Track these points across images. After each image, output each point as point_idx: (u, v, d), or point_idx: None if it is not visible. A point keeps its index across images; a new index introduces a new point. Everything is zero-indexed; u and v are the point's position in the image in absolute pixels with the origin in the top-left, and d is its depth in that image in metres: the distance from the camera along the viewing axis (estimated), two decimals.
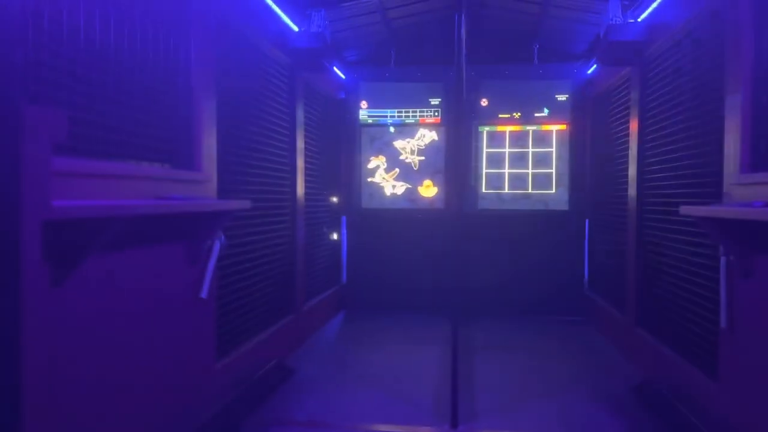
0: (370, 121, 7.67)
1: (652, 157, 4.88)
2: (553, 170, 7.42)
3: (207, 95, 3.75)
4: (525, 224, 7.43)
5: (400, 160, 7.66)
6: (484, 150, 7.56)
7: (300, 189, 5.80)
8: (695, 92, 4.03)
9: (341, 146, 7.68)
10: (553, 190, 7.41)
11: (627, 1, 5.21)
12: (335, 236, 7.58)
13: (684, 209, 3.25)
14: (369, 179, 7.68)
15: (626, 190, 5.56)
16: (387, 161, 7.67)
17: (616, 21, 5.04)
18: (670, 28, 4.44)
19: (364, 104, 7.65)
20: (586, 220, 7.40)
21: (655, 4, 4.69)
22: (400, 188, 7.66)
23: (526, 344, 6.07)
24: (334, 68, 7.05)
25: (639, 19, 5.03)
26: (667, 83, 4.53)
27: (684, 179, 4.17)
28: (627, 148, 5.55)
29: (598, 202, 6.98)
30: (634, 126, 5.29)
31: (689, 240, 4.05)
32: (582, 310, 7.27)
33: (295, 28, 5.43)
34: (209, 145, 3.76)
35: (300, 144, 5.77)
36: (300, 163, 5.77)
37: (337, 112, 7.50)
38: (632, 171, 5.33)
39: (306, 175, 6.05)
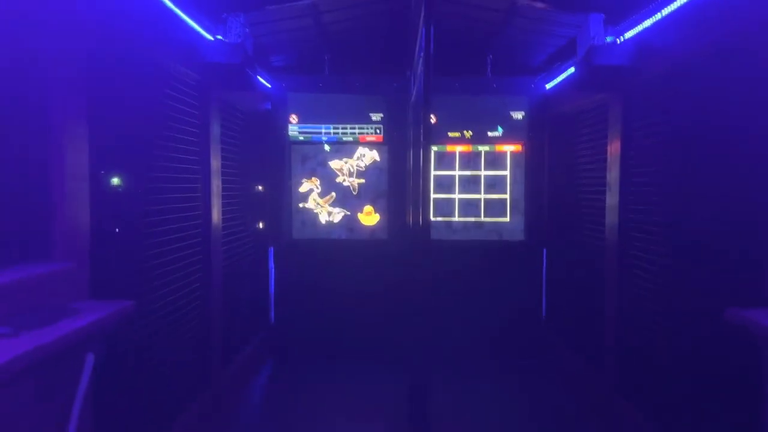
0: (301, 137, 6.60)
1: (642, 186, 4.14)
2: (508, 195, 6.65)
3: (73, 140, 2.61)
4: (478, 256, 6.62)
5: (337, 183, 6.65)
6: (432, 172, 6.68)
7: (216, 216, 4.69)
8: (715, 129, 3.28)
9: (267, 166, 6.57)
10: (508, 218, 6.64)
11: (607, 13, 4.43)
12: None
13: (733, 316, 2.46)
14: (301, 205, 6.63)
15: (602, 220, 4.83)
16: (321, 184, 6.64)
17: (598, 41, 4.24)
18: (674, 54, 3.67)
19: (293, 118, 6.57)
20: (544, 250, 6.68)
21: (648, 23, 3.92)
22: (337, 215, 6.66)
23: (484, 409, 5.26)
24: (258, 77, 5.93)
25: (624, 37, 4.25)
26: (670, 116, 3.78)
27: (702, 224, 3.43)
28: (604, 176, 4.81)
29: (558, 231, 6.27)
30: (614, 149, 4.53)
31: (706, 308, 3.31)
32: (539, 350, 6.56)
33: (209, 37, 4.29)
34: (76, 212, 2.63)
35: (215, 164, 4.64)
36: (216, 186, 4.66)
37: (261, 127, 6.38)
38: (612, 200, 4.58)
39: (224, 200, 4.96)
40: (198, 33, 4.16)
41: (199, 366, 4.45)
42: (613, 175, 4.55)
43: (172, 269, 3.88)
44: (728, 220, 3.09)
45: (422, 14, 2.97)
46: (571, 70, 5.40)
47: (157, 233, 3.62)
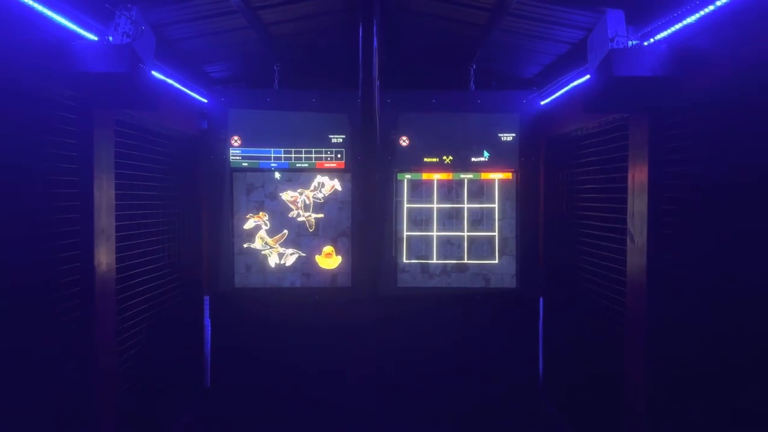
0: (245, 163, 5.42)
1: (686, 225, 3.01)
2: (496, 233, 5.52)
3: None
4: (460, 307, 5.48)
5: (290, 218, 5.47)
6: (405, 205, 5.54)
7: (105, 262, 3.48)
8: None
9: (202, 199, 5.38)
10: (496, 260, 5.51)
11: (629, 8, 3.33)
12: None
13: None
14: (245, 245, 5.44)
15: (621, 267, 3.71)
16: (271, 220, 5.46)
17: (619, 43, 3.14)
18: (739, 63, 2.57)
19: (235, 140, 5.39)
20: (540, 300, 5.55)
21: (692, 19, 2.82)
22: (291, 257, 5.48)
23: None
24: (185, 90, 4.78)
25: (653, 40, 3.16)
26: (729, 149, 2.67)
27: None
28: (622, 211, 3.70)
29: (559, 277, 5.13)
30: (640, 178, 3.40)
31: None
32: (534, 427, 5.38)
33: (91, 36, 3.13)
34: None
35: (105, 198, 3.45)
36: (105, 225, 3.46)
37: (193, 151, 5.20)
38: (638, 241, 3.44)
39: (123, 242, 3.78)
40: (72, 31, 2.99)
41: None
42: (638, 209, 3.43)
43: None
44: None
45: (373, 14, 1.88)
46: (575, 83, 4.32)
47: None
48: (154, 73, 3.93)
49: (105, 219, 3.48)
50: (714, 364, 2.73)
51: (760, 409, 2.40)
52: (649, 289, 3.31)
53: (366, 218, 5.37)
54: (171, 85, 4.44)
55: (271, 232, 5.45)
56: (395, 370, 5.34)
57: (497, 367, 5.43)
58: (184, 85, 4.71)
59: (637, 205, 3.45)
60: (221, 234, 5.40)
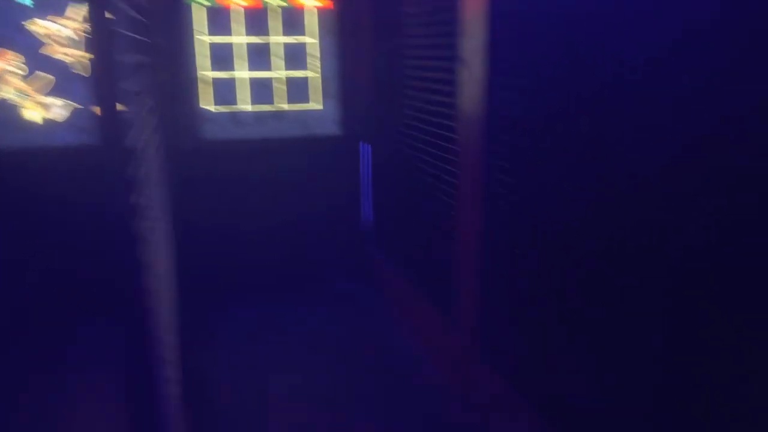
0: None
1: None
2: (317, 73, 4.81)
3: None
4: (277, 159, 4.86)
5: (55, 59, 4.24)
6: (206, 39, 4.55)
7: None
8: None
9: None
10: (317, 105, 4.87)
11: None
12: None
13: None
14: None
15: (453, 96, 3.30)
16: (27, 62, 4.19)
17: None
18: None
19: None
20: (368, 147, 5.09)
21: None
22: (60, 109, 4.33)
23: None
24: None
25: None
26: None
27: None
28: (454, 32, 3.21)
29: (388, 121, 4.66)
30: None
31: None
32: (364, 274, 5.19)
33: None
34: None
35: None
36: None
37: None
38: (478, 71, 2.97)
39: None
40: None
41: None
42: (474, 32, 2.93)
43: None
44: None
45: None
46: None
47: None
48: None
49: None
50: (562, 210, 2.45)
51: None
52: (488, 122, 2.90)
53: (155, 58, 4.36)
54: None
55: (30, 78, 4.21)
56: (201, 234, 4.65)
57: (320, 218, 5.03)
58: None
59: (471, 28, 2.93)
60: None
